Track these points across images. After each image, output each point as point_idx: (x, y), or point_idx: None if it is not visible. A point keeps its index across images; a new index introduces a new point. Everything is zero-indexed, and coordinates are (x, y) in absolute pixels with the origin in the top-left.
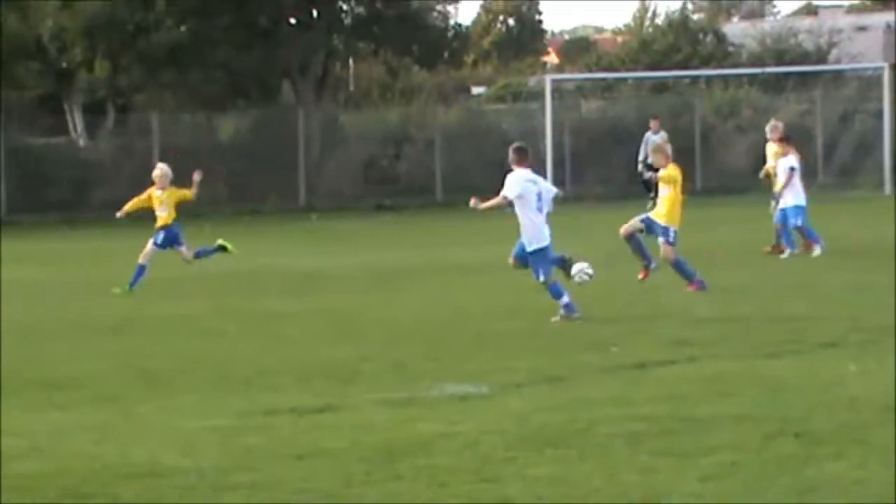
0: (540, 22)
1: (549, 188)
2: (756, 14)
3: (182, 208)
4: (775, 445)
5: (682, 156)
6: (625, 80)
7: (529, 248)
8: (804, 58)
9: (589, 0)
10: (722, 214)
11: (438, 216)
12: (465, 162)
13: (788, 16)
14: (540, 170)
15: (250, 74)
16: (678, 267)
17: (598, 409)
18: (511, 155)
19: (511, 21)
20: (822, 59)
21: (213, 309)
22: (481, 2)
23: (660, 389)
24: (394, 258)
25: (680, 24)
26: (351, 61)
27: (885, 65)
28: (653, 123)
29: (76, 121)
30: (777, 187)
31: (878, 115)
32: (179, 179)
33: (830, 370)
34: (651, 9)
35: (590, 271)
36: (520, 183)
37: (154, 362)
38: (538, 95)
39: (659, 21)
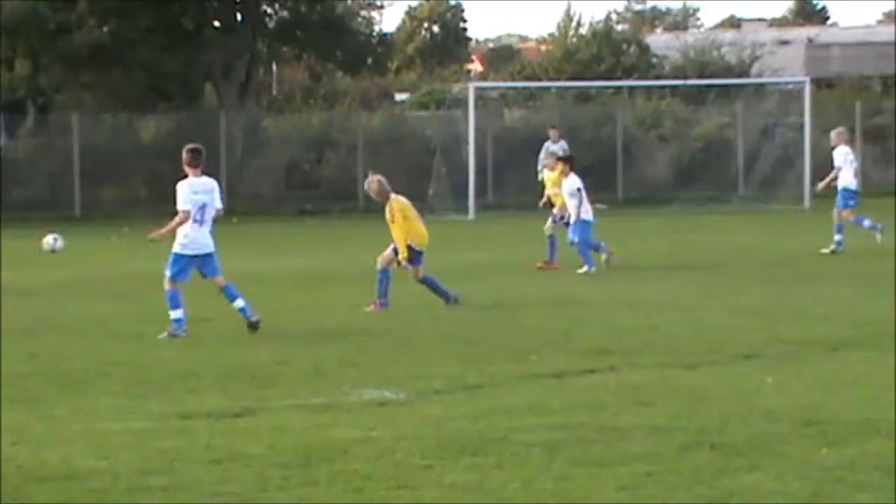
0: (464, 29)
1: (214, 201)
2: (679, 26)
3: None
4: (691, 456)
5: (605, 166)
6: (548, 89)
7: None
8: (726, 70)
9: (514, 3)
10: (643, 225)
11: (361, 221)
12: (387, 168)
13: (711, 28)
14: (462, 176)
15: (173, 77)
16: (427, 283)
17: (515, 418)
18: (185, 156)
19: (435, 28)
20: (744, 72)
21: (131, 311)
22: (406, 8)
23: (578, 398)
24: (315, 263)
25: (604, 35)
26: (274, 65)
27: (807, 79)
28: (552, 132)
29: None
30: (572, 215)
31: (799, 128)
32: (101, 179)
33: (748, 382)
34: (575, 19)
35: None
36: (187, 195)
37: (71, 364)
38: (462, 103)
39: (583, 31)
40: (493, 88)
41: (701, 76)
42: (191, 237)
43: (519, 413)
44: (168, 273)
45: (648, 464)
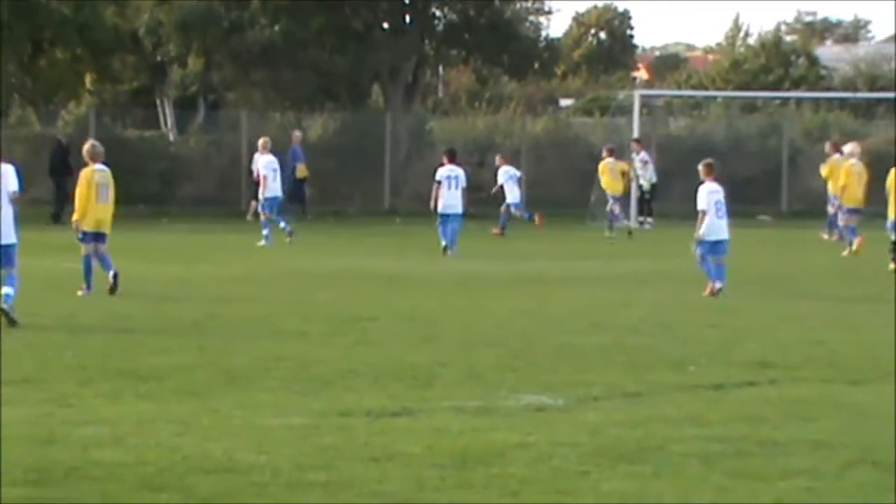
0: (631, 37)
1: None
2: (850, 38)
3: None
4: (853, 473)
5: (770, 177)
6: (714, 98)
7: None
8: None
9: (682, 12)
10: (807, 238)
11: (521, 224)
12: (550, 173)
13: (883, 41)
14: (625, 184)
15: (341, 77)
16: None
17: (673, 428)
18: None
19: (602, 35)
20: None
21: (294, 309)
22: (573, 14)
23: (737, 411)
24: (476, 266)
25: (772, 46)
26: (441, 68)
27: None
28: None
29: (167, 115)
30: None
31: None
32: None
33: None
34: (744, 29)
35: None
36: None
37: (235, 359)
38: (626, 110)
39: (751, 41)
40: (658, 96)
41: (871, 89)
42: None
43: (677, 423)
44: None
45: (809, 479)
